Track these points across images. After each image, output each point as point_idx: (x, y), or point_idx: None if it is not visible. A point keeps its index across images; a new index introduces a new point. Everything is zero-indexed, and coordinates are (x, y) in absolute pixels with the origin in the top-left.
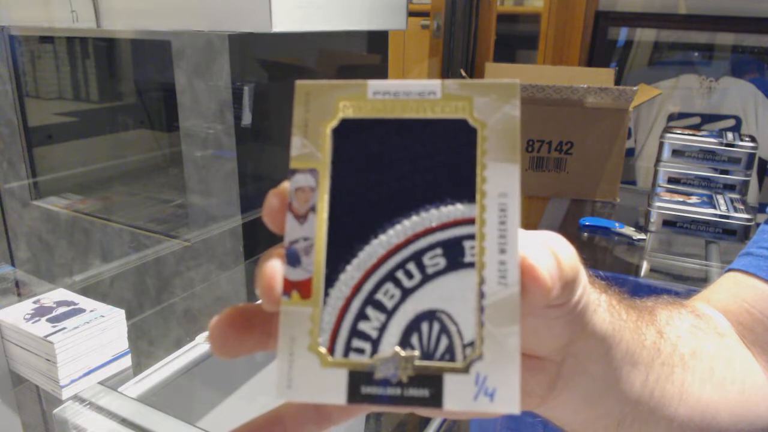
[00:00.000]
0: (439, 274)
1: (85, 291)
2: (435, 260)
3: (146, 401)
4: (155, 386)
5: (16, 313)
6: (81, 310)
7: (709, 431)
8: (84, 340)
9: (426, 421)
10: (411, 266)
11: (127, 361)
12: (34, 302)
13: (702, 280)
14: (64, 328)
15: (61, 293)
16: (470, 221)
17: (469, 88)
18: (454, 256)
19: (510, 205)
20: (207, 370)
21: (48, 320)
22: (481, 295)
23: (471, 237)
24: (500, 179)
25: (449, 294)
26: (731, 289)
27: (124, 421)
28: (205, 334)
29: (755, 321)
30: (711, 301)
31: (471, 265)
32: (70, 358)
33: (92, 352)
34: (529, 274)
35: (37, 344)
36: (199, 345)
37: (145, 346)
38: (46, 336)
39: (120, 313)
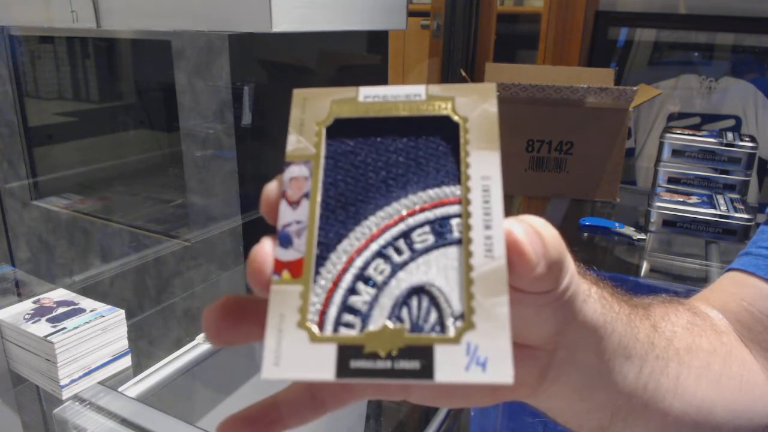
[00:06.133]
0: (427, 250)
1: (85, 291)
2: (423, 237)
3: (146, 401)
4: (155, 386)
5: (16, 313)
6: (81, 310)
7: (705, 427)
8: (84, 340)
9: (426, 421)
10: (400, 243)
11: (127, 361)
12: (34, 302)
13: (702, 280)
14: (64, 328)
15: (61, 293)
16: (456, 201)
17: (451, 90)
18: (442, 233)
19: (493, 187)
20: (207, 370)
21: (48, 320)
22: (469, 268)
23: (457, 215)
24: (482, 164)
25: (438, 268)
26: (731, 288)
27: (124, 421)
28: None
29: (754, 320)
30: (710, 300)
31: (458, 240)
32: (70, 358)
33: (92, 352)
34: (514, 248)
35: (37, 344)
36: (199, 345)
37: (145, 346)
38: (46, 336)
39: (120, 313)
